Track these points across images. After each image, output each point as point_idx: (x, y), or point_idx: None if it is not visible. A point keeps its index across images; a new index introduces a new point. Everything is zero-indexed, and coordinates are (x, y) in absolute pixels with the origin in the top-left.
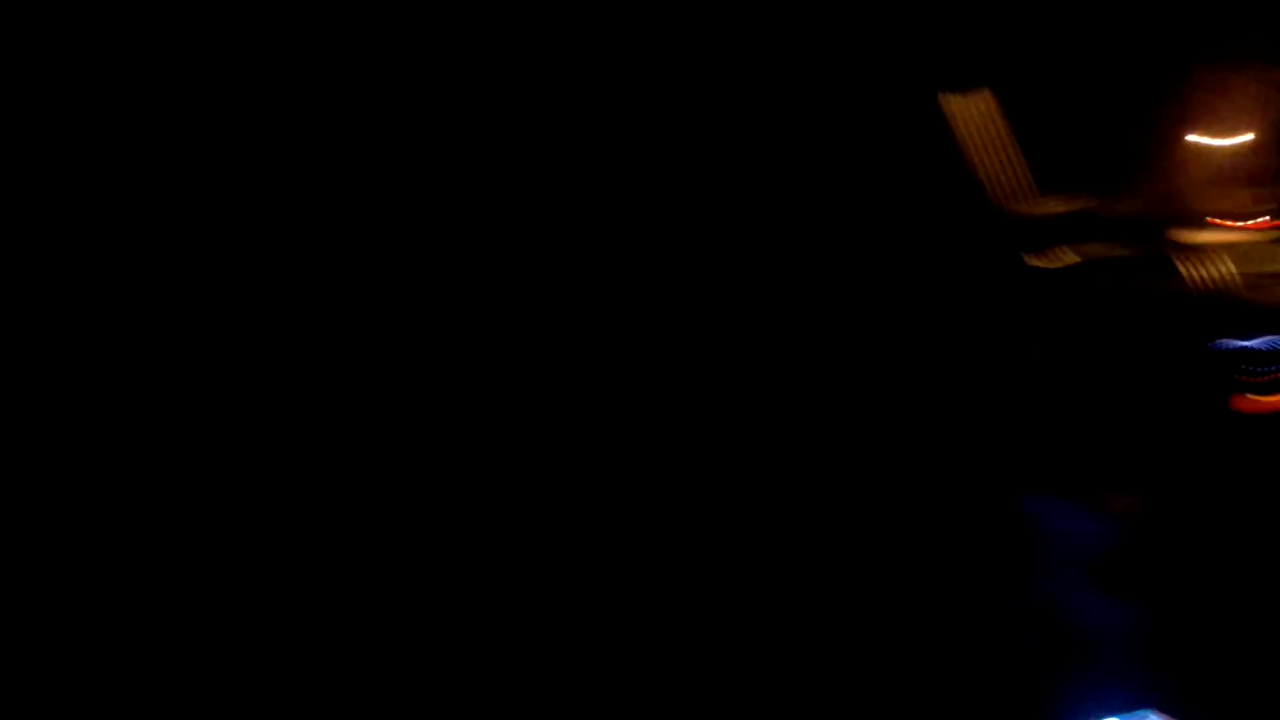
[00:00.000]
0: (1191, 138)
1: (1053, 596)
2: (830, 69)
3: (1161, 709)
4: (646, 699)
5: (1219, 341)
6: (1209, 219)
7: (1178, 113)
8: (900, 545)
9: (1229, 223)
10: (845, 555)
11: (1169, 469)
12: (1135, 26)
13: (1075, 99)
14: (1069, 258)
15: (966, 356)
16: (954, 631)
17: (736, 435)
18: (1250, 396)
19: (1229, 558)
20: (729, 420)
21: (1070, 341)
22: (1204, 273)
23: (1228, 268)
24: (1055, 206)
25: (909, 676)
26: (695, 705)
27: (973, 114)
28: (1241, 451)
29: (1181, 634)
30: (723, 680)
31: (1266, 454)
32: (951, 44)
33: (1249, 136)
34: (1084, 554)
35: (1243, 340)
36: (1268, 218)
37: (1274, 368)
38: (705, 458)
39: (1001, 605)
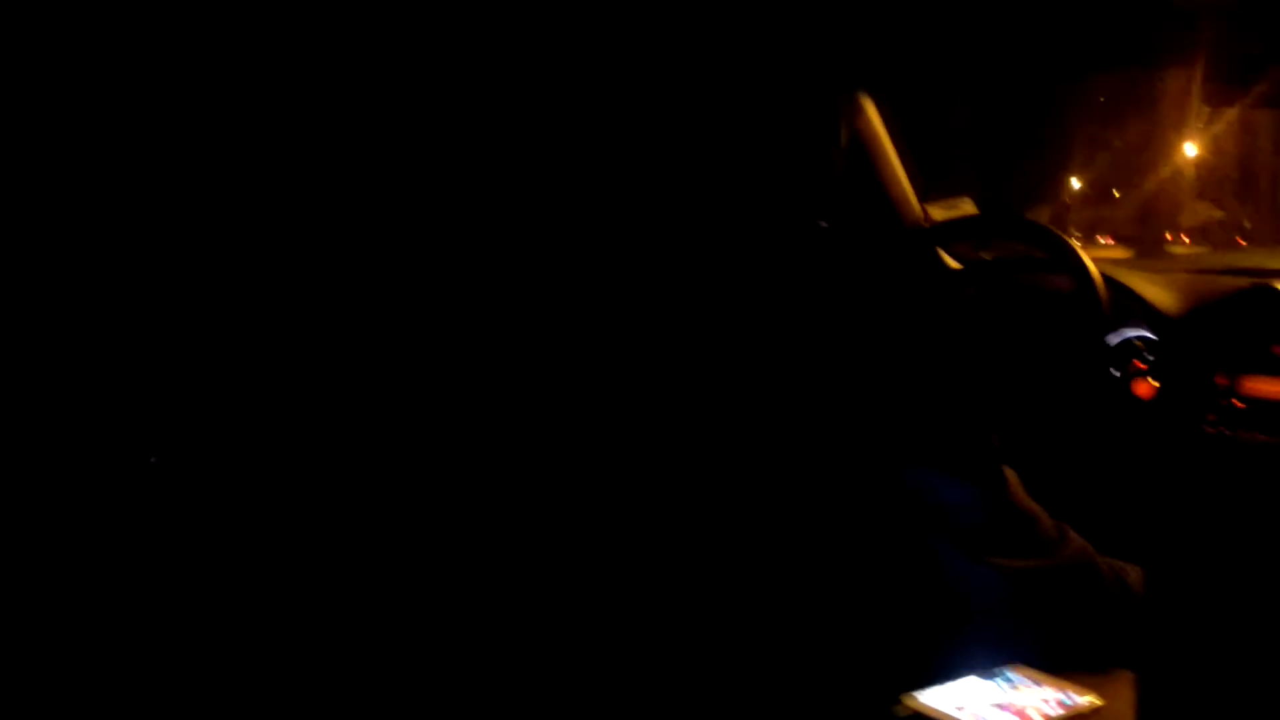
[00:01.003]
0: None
1: (931, 563)
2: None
3: (1024, 663)
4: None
5: (1117, 332)
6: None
7: (1064, 119)
8: (792, 516)
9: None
10: (737, 526)
11: (1055, 447)
12: (1019, 33)
13: (949, 103)
14: (953, 262)
15: (856, 348)
16: (837, 595)
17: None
18: (1147, 381)
19: (1100, 527)
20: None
21: (959, 337)
22: (1095, 268)
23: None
24: (939, 212)
25: (793, 637)
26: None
27: (869, 117)
28: (1131, 433)
29: (1044, 598)
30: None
31: (1150, 435)
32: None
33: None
34: (959, 523)
35: (1138, 330)
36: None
37: (1156, 355)
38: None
39: (882, 571)
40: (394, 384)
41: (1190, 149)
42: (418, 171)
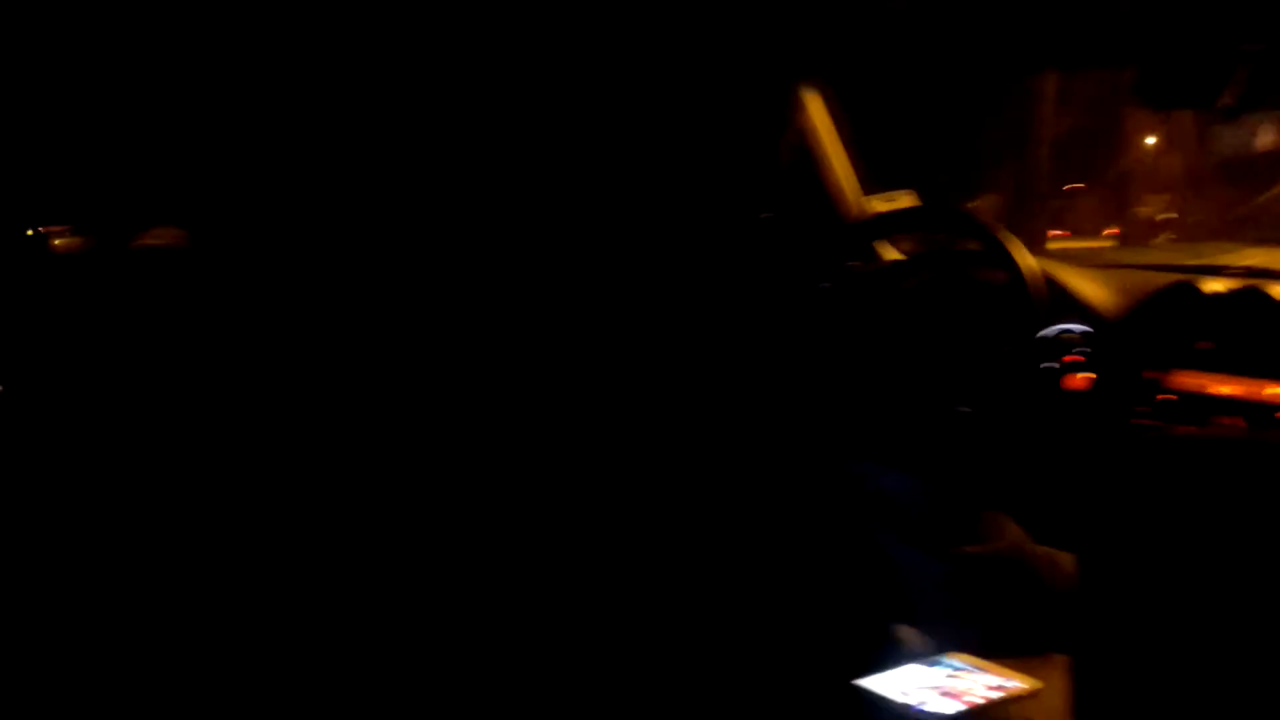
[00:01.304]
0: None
1: (875, 551)
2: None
3: (964, 650)
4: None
5: (1051, 326)
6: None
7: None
8: (734, 506)
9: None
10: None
11: (990, 438)
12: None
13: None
14: (892, 254)
15: (796, 338)
16: (782, 583)
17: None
18: (1079, 374)
19: (1033, 516)
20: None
21: (897, 328)
22: (1030, 262)
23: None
24: (879, 205)
25: (730, 627)
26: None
27: (813, 110)
28: (1062, 424)
29: (981, 585)
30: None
31: (1081, 427)
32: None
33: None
34: (900, 512)
35: (1071, 324)
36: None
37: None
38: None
39: (828, 558)
40: (384, 384)
41: (1149, 141)
42: (396, 173)
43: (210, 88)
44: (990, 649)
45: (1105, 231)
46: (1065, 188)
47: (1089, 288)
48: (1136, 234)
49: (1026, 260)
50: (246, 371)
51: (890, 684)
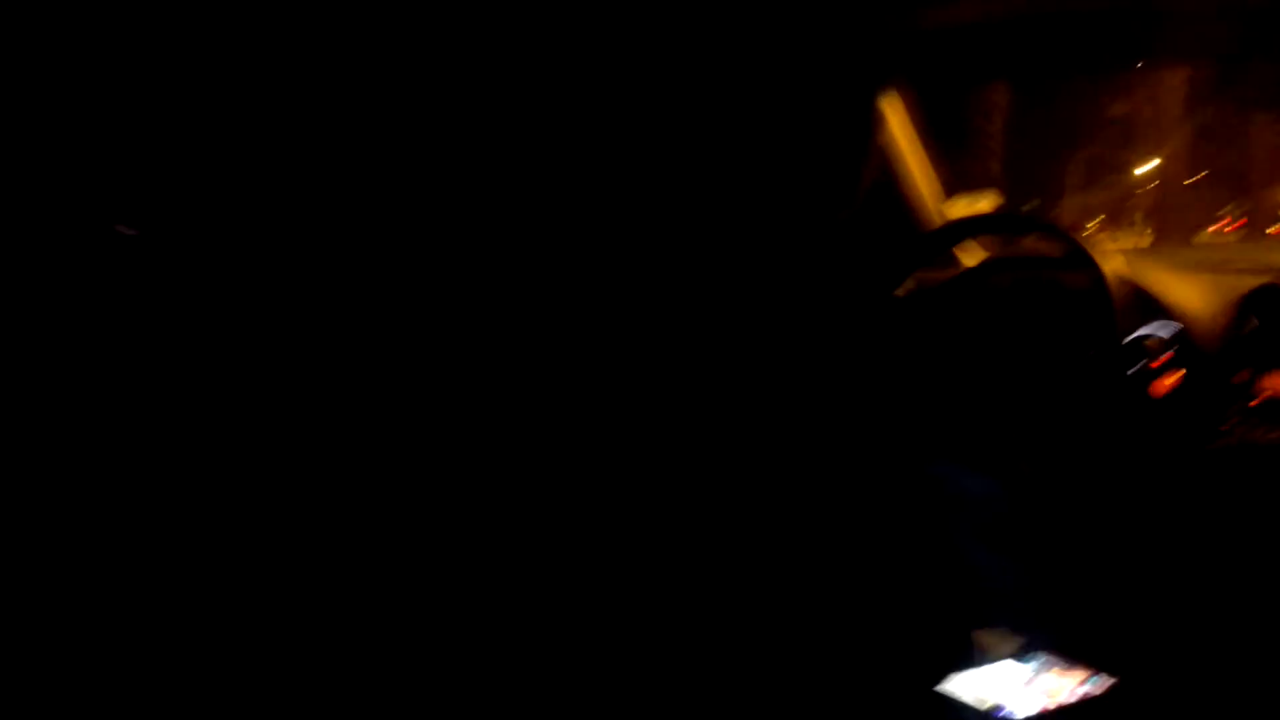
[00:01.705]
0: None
1: (956, 554)
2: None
3: (1051, 650)
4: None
5: (1134, 330)
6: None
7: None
8: (818, 510)
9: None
10: (763, 522)
11: (1072, 444)
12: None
13: (976, 99)
14: (973, 258)
15: (876, 342)
16: (865, 588)
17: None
18: (1163, 379)
19: (1116, 523)
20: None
21: (976, 333)
22: (1111, 266)
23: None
24: (960, 208)
25: (813, 629)
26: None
27: (893, 113)
28: (1146, 430)
29: (1069, 586)
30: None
31: (1166, 433)
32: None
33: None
34: (984, 515)
35: (1154, 328)
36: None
37: (1169, 350)
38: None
39: (909, 562)
40: (393, 384)
41: (1210, 139)
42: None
43: (208, 87)
44: (1075, 647)
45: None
46: (1185, 181)
47: (1177, 289)
48: (1261, 222)
49: (1108, 264)
50: (246, 371)
51: (973, 686)
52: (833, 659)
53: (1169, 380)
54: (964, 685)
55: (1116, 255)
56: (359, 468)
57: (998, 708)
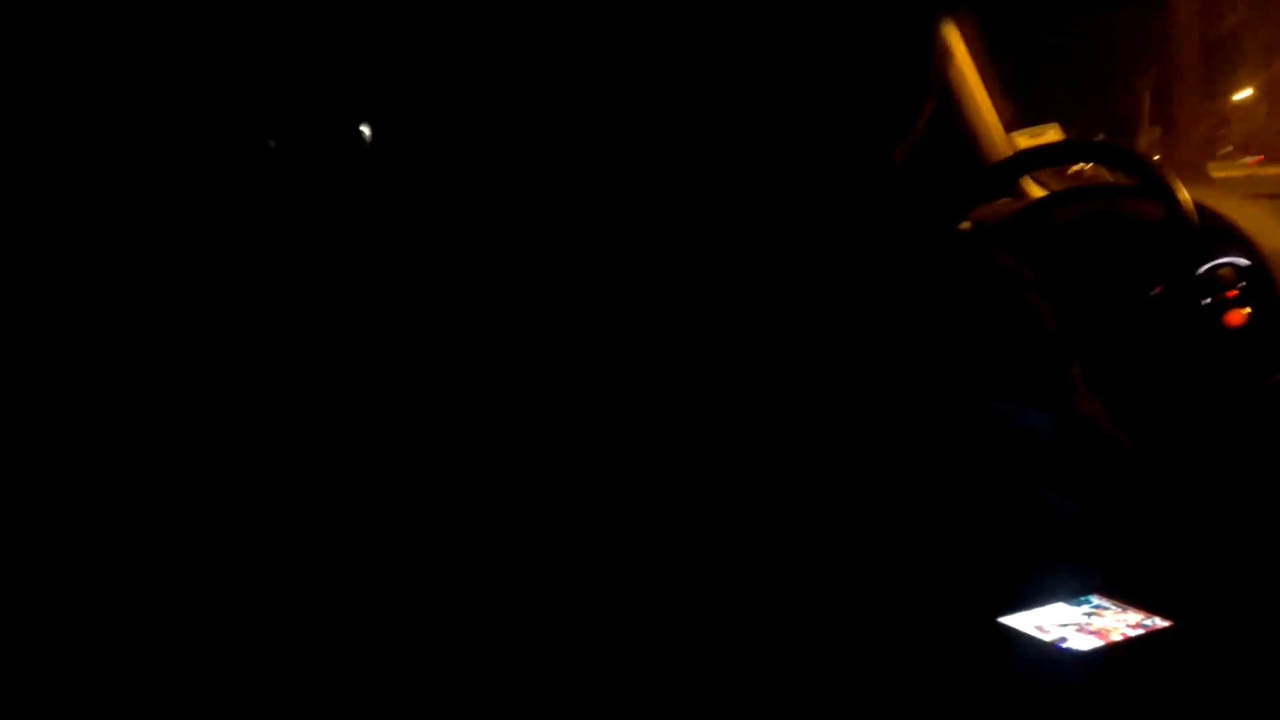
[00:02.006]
0: None
1: (1015, 490)
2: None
3: (1105, 592)
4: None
5: (1208, 260)
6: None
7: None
8: (872, 447)
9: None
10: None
11: (1142, 376)
12: None
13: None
14: (1038, 191)
15: (937, 276)
16: (919, 524)
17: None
18: (1238, 309)
19: (1178, 462)
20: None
21: (1044, 264)
22: (1185, 195)
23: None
24: (1024, 140)
25: (873, 564)
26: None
27: (953, 43)
28: (1220, 362)
29: (1126, 528)
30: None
31: (1240, 365)
32: None
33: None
34: (1041, 451)
35: (1229, 257)
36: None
37: (1247, 283)
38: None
39: (965, 499)
40: (407, 384)
41: None
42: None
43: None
44: (1135, 589)
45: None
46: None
47: (1247, 218)
48: None
49: (1183, 193)
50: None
51: (1032, 621)
52: (889, 593)
53: (1240, 312)
54: (1023, 620)
55: (1182, 185)
56: (359, 467)
57: (1060, 639)
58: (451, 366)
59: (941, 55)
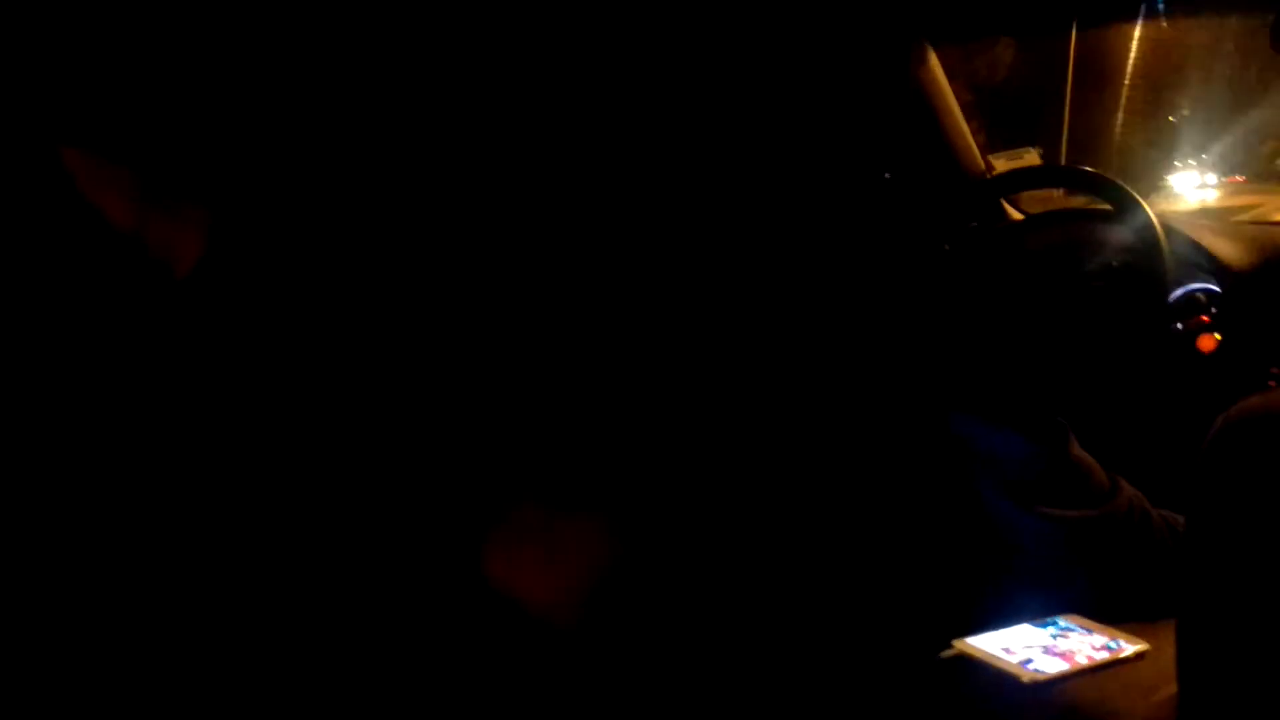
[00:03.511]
0: None
1: (979, 512)
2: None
3: (1075, 611)
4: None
5: (1181, 285)
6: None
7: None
8: (840, 464)
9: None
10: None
11: (1114, 400)
12: None
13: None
14: (1016, 214)
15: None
16: (886, 546)
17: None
18: (1211, 335)
19: (1157, 480)
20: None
21: (1019, 288)
22: (1155, 221)
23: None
24: (1002, 164)
25: (835, 589)
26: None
27: (933, 67)
28: (1192, 387)
29: (1096, 548)
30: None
31: (1211, 389)
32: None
33: None
34: (1006, 473)
35: (1201, 283)
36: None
37: (1220, 309)
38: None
39: (931, 520)
40: (393, 382)
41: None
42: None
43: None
44: (1102, 611)
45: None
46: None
47: (1219, 244)
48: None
49: (1155, 218)
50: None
51: (996, 643)
52: (850, 618)
53: (1214, 337)
54: (987, 642)
55: (1167, 209)
56: (358, 466)
57: (1025, 660)
58: (451, 366)
59: (917, 78)
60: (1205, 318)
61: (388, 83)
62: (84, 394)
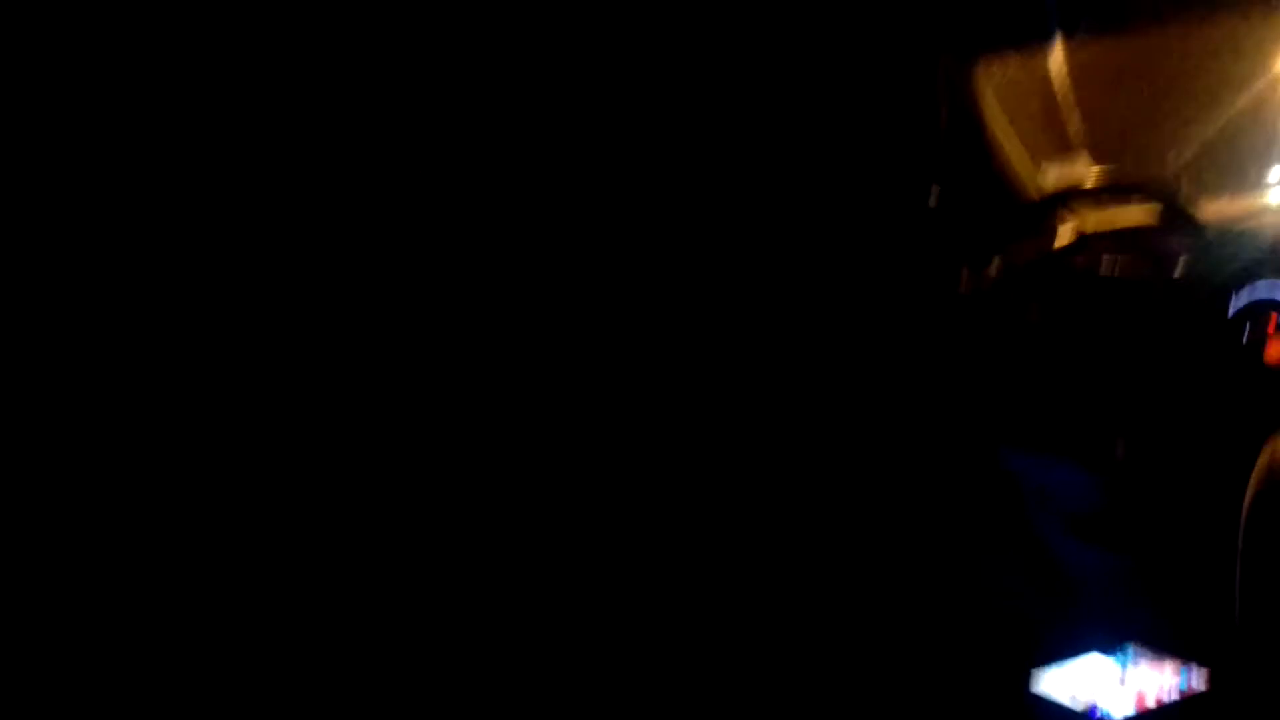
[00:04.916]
0: None
1: (1038, 547)
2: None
3: (1141, 642)
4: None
5: (1245, 294)
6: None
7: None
8: (890, 502)
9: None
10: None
11: (1181, 417)
12: None
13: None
14: (1072, 229)
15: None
16: (946, 583)
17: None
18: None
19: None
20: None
21: (1074, 312)
22: (1214, 228)
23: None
24: (1054, 177)
25: (901, 628)
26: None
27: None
28: (1263, 399)
29: (1159, 577)
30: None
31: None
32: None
33: None
34: (1065, 507)
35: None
36: None
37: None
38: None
39: (990, 557)
40: (394, 382)
41: None
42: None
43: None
44: (1168, 641)
45: None
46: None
47: None
48: None
49: (1214, 226)
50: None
51: (1064, 681)
52: (922, 656)
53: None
54: (1055, 682)
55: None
56: (358, 466)
57: (1091, 706)
58: (451, 366)
59: (954, 95)
60: (1272, 328)
61: (388, 82)
62: None
